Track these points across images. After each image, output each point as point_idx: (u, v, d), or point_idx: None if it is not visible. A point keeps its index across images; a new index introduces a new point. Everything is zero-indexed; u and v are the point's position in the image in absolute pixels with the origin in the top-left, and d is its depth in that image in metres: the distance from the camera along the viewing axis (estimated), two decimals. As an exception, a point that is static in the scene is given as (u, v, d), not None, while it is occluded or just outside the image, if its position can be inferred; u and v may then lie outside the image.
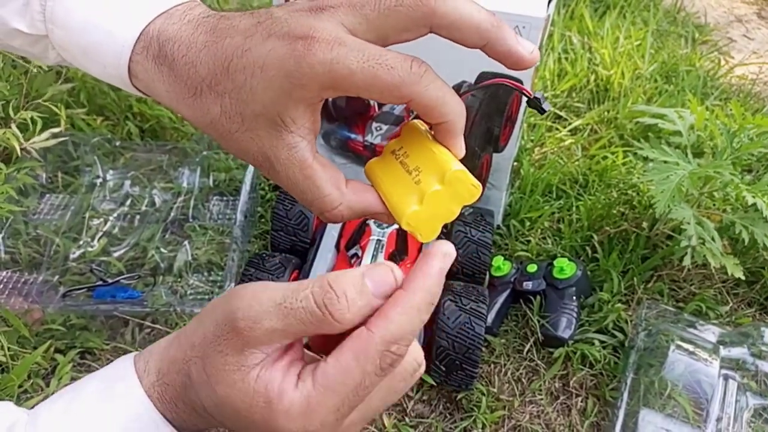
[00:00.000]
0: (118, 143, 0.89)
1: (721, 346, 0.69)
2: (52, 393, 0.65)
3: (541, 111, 0.40)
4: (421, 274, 0.31)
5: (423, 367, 0.33)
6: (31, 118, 0.76)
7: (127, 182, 0.86)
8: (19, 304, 0.70)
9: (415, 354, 0.33)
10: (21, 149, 0.75)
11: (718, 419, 0.63)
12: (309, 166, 0.32)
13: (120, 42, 0.35)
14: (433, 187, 0.35)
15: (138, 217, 0.83)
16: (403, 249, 0.74)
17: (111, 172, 0.87)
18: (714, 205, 0.86)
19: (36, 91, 0.85)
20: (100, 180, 0.86)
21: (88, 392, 0.33)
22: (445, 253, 0.33)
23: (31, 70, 0.83)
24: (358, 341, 0.29)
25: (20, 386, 0.64)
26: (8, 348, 0.64)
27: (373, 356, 0.29)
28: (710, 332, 0.71)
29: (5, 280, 0.73)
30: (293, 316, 0.29)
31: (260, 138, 0.32)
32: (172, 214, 0.83)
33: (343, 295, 0.30)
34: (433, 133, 0.37)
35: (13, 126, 0.75)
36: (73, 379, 0.67)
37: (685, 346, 0.69)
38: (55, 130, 0.80)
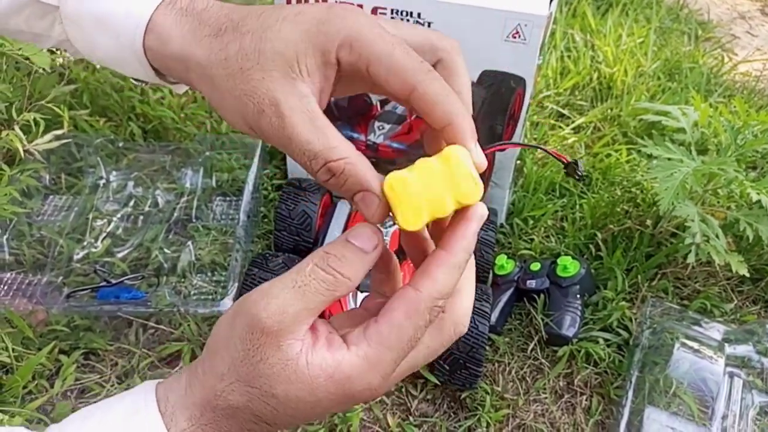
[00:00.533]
0: (121, 144, 0.90)
1: (726, 344, 0.69)
2: (56, 394, 0.65)
3: (579, 178, 0.40)
4: (460, 235, 0.33)
5: (465, 326, 0.35)
6: (34, 120, 0.76)
7: (131, 183, 0.86)
8: (24, 306, 0.70)
9: (459, 314, 0.35)
10: (24, 151, 0.75)
11: (724, 417, 0.63)
12: (319, 117, 0.32)
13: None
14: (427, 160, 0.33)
15: (141, 217, 0.83)
16: (406, 248, 0.74)
17: (114, 173, 0.88)
18: (718, 202, 0.85)
19: (39, 93, 0.85)
20: (103, 181, 0.86)
21: None
22: (481, 216, 0.34)
23: (34, 71, 0.84)
24: (406, 300, 0.31)
25: (24, 387, 0.64)
26: (12, 349, 0.65)
27: (423, 312, 0.31)
28: (715, 330, 0.71)
29: (9, 281, 0.73)
30: (310, 292, 0.31)
31: (273, 79, 0.32)
32: (175, 214, 0.83)
33: (342, 256, 0.32)
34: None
35: (17, 128, 0.75)
36: (77, 380, 0.67)
37: (690, 343, 0.68)
38: (58, 132, 0.80)
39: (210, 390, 0.32)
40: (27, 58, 0.83)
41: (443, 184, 0.34)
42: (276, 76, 0.32)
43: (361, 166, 0.33)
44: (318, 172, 0.33)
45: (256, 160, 0.87)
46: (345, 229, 0.78)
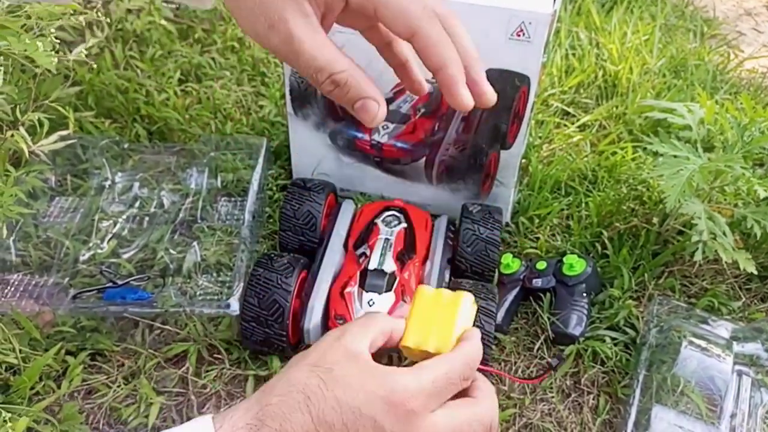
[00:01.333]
0: (126, 146, 0.90)
1: (734, 342, 0.68)
2: (63, 395, 0.65)
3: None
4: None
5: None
6: (39, 120, 0.77)
7: (136, 184, 0.87)
8: (30, 307, 0.70)
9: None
10: (29, 152, 0.76)
11: (733, 416, 0.62)
12: (321, 35, 0.36)
13: None
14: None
15: (147, 218, 0.83)
16: (411, 248, 0.74)
17: (119, 174, 0.88)
18: (725, 199, 0.85)
19: (44, 95, 0.85)
20: (108, 182, 0.87)
21: None
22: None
23: (39, 73, 0.84)
24: None
25: (32, 388, 0.65)
26: (20, 350, 0.65)
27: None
28: (723, 328, 0.70)
29: (16, 282, 0.73)
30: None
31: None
32: (180, 215, 0.83)
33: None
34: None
35: (22, 129, 0.75)
36: (84, 381, 0.67)
37: (698, 342, 0.68)
38: (64, 132, 0.80)
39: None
40: (32, 60, 0.83)
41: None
42: None
43: (361, 77, 0.38)
44: (323, 83, 0.37)
45: (260, 160, 0.87)
46: (350, 229, 0.78)
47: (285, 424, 0.33)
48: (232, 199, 0.87)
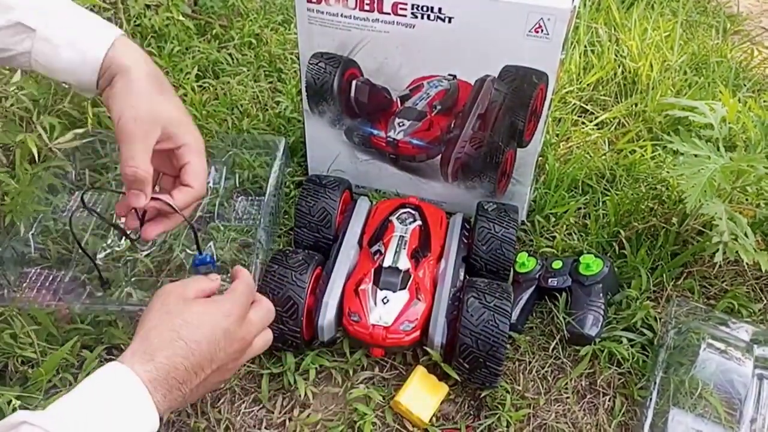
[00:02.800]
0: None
1: (755, 345, 0.67)
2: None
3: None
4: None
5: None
6: (51, 125, 0.77)
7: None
8: (48, 301, 0.71)
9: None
10: (47, 148, 0.76)
11: (753, 420, 0.61)
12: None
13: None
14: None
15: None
16: (425, 246, 0.74)
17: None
18: (747, 199, 0.83)
19: (63, 91, 0.86)
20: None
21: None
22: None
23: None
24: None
25: (49, 381, 0.65)
26: (37, 344, 0.66)
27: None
28: (743, 330, 0.69)
29: (35, 276, 0.74)
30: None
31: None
32: (197, 212, 0.84)
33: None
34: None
35: (39, 128, 0.76)
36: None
37: (717, 344, 0.67)
38: (80, 130, 0.80)
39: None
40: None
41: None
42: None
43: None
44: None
45: (278, 158, 0.87)
46: (364, 226, 0.78)
47: (168, 350, 0.49)
48: (249, 197, 0.87)
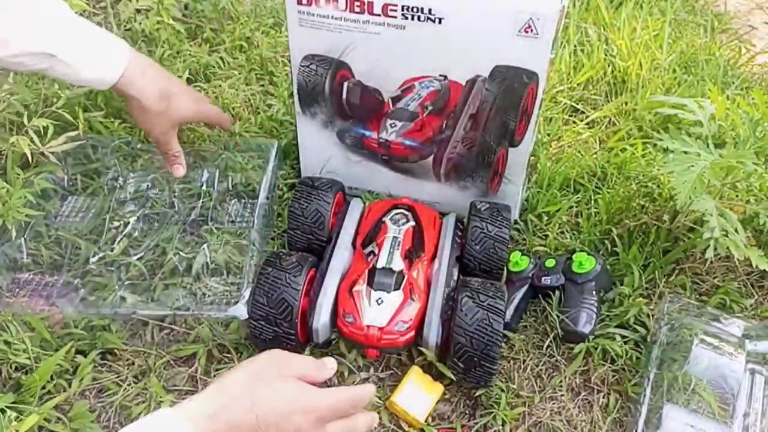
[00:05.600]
0: (138, 146, 0.90)
1: (746, 340, 0.67)
2: (74, 393, 0.66)
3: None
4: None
5: None
6: (44, 127, 0.77)
7: (147, 184, 0.87)
8: (40, 306, 0.70)
9: None
10: (39, 153, 0.76)
11: (745, 415, 0.62)
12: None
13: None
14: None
15: (157, 218, 0.83)
16: (419, 246, 0.74)
17: (130, 174, 0.88)
18: (737, 196, 0.84)
19: (54, 95, 0.86)
20: (119, 183, 0.87)
21: None
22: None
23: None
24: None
25: (43, 387, 0.65)
26: (31, 350, 0.65)
27: None
28: (735, 326, 0.70)
29: (27, 282, 0.74)
30: None
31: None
32: (190, 216, 0.84)
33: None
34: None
35: (31, 131, 0.76)
36: (95, 380, 0.68)
37: (709, 340, 0.67)
38: (72, 133, 0.80)
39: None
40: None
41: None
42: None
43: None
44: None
45: (271, 161, 0.87)
46: (358, 228, 0.78)
47: (234, 419, 0.47)
48: (242, 200, 0.87)
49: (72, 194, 0.85)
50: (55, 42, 0.65)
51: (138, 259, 0.77)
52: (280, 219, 0.86)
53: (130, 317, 0.70)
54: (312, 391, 0.51)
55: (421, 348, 0.68)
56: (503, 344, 0.72)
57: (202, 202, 0.85)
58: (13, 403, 0.61)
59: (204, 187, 0.87)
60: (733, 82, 1.12)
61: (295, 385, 0.51)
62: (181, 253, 0.78)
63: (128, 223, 0.82)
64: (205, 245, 0.79)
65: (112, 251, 0.78)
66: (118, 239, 0.79)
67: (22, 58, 0.64)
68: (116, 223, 0.82)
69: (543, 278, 0.75)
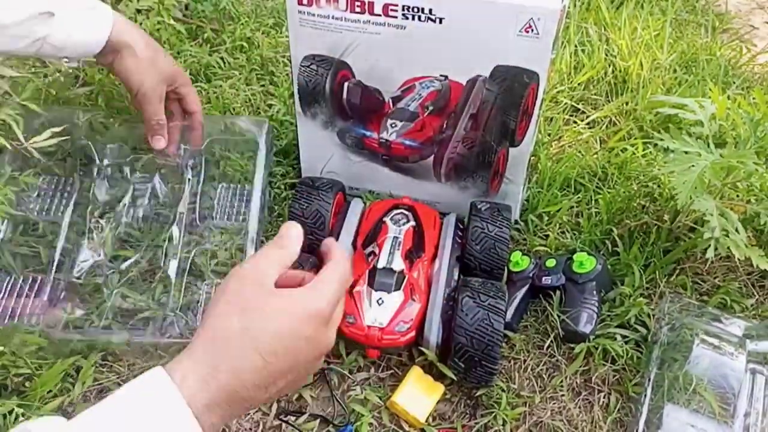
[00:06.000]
0: (134, 147, 0.90)
1: (747, 340, 0.67)
2: (78, 395, 0.66)
3: None
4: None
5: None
6: (14, 118, 0.75)
7: (145, 184, 0.87)
8: (38, 310, 0.70)
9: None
10: (23, 149, 0.74)
11: (746, 415, 0.62)
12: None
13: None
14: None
15: (154, 218, 0.83)
16: (419, 246, 0.74)
17: (128, 173, 0.88)
18: (738, 195, 0.84)
19: (55, 95, 0.86)
20: (106, 175, 0.86)
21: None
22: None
23: (50, 74, 0.84)
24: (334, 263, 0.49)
25: (49, 391, 0.65)
26: (32, 362, 0.65)
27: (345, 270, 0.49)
28: (736, 326, 0.70)
29: (10, 284, 0.74)
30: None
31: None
32: (188, 215, 0.83)
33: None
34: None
35: (16, 130, 0.74)
36: (96, 381, 0.68)
37: (710, 340, 0.67)
38: (57, 129, 0.78)
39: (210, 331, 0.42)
40: (43, 62, 0.84)
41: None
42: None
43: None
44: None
45: (262, 144, 0.86)
46: (359, 226, 0.78)
47: (238, 366, 0.40)
48: (232, 186, 0.86)
49: (66, 193, 0.84)
50: (52, 2, 0.65)
51: (136, 261, 0.77)
52: (280, 219, 0.86)
53: (132, 342, 0.69)
54: (305, 297, 0.44)
55: (421, 348, 0.68)
56: (504, 344, 0.72)
57: (200, 201, 0.84)
58: (19, 405, 0.61)
59: (199, 187, 0.85)
60: (734, 82, 1.12)
61: (283, 299, 0.43)
62: (177, 252, 0.77)
63: (121, 223, 0.81)
64: (207, 243, 0.78)
65: (99, 258, 0.77)
66: (111, 238, 0.78)
67: (26, 23, 0.64)
68: (109, 223, 0.80)
69: (544, 278, 0.75)
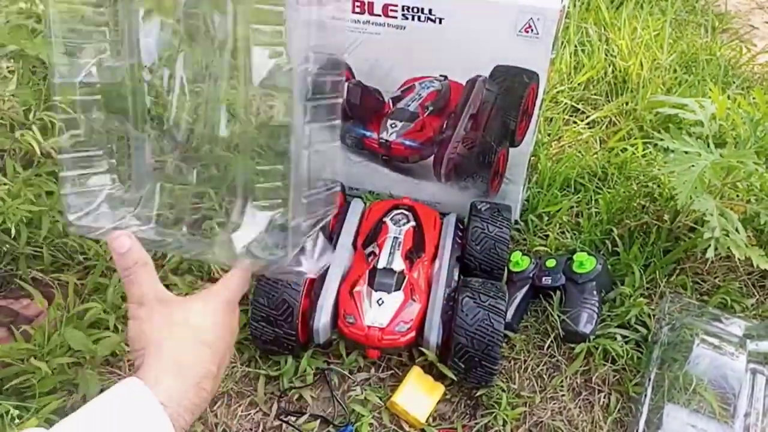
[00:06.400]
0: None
1: (747, 340, 0.67)
2: (81, 398, 0.65)
3: None
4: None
5: None
6: (50, 121, 0.77)
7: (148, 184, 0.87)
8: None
9: None
10: (41, 154, 0.76)
11: (746, 414, 0.62)
12: None
13: None
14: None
15: (156, 218, 0.83)
16: (420, 246, 0.74)
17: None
18: (738, 195, 0.84)
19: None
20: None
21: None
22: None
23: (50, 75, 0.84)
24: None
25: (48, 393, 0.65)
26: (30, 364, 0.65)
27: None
28: (736, 325, 0.70)
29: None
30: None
31: None
32: (194, 215, 0.83)
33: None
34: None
35: (34, 128, 0.75)
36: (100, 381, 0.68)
37: (710, 340, 0.67)
38: (76, 131, 0.79)
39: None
40: (43, 62, 0.83)
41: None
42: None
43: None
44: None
45: None
46: (358, 228, 0.78)
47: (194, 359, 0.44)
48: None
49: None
50: None
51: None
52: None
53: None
54: (214, 290, 0.47)
55: (421, 348, 0.68)
56: (504, 344, 0.72)
57: (203, 201, 0.84)
58: (17, 406, 0.61)
59: (201, 187, 0.85)
60: (734, 82, 1.12)
61: (201, 297, 0.47)
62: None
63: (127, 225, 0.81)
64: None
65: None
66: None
67: None
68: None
69: (544, 278, 0.75)
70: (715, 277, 0.80)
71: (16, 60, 0.78)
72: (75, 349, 0.66)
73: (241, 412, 0.67)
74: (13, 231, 0.74)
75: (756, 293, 0.79)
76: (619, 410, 0.68)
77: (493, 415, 0.66)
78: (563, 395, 0.69)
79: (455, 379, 0.67)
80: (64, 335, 0.66)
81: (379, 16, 0.71)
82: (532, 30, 0.67)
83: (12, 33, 0.75)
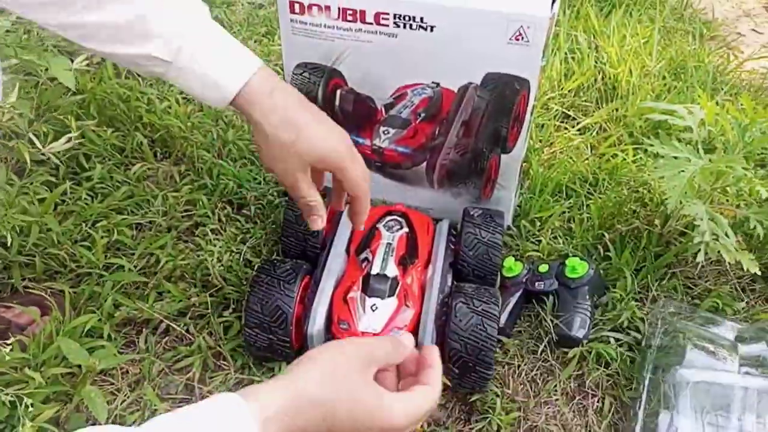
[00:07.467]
0: (128, 153, 0.90)
1: (739, 343, 0.68)
2: (75, 406, 0.65)
3: None
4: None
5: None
6: (44, 131, 0.77)
7: (141, 191, 0.87)
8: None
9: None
10: (33, 161, 0.76)
11: (740, 418, 0.62)
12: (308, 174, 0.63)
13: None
14: None
15: (150, 224, 0.83)
16: (413, 252, 0.74)
17: (123, 181, 0.88)
18: (727, 200, 0.85)
19: (47, 104, 0.86)
20: (112, 190, 0.87)
21: None
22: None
23: (41, 83, 0.84)
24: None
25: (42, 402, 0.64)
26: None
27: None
28: (728, 329, 0.70)
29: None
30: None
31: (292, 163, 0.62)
32: (183, 223, 0.84)
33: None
34: None
35: (31, 135, 0.75)
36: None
37: (703, 343, 0.68)
38: (71, 135, 0.79)
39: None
40: (37, 71, 0.84)
41: None
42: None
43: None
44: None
45: None
46: (351, 234, 0.78)
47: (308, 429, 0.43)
48: (233, 205, 0.86)
49: (63, 201, 0.85)
50: (171, 48, 0.55)
51: (131, 266, 0.77)
52: (274, 226, 0.87)
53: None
54: (393, 410, 0.45)
55: (415, 354, 0.68)
56: (498, 349, 0.72)
57: (195, 208, 0.85)
58: (7, 417, 0.61)
59: (194, 194, 0.86)
60: (722, 88, 1.13)
61: (375, 397, 0.45)
62: (173, 259, 0.78)
63: (120, 230, 0.81)
64: (200, 252, 0.79)
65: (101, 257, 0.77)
66: (110, 245, 0.79)
67: (143, 64, 0.57)
68: (109, 230, 0.81)
69: (536, 283, 0.75)
70: (706, 281, 0.81)
71: (12, 71, 0.78)
72: (72, 362, 0.66)
73: (235, 419, 0.67)
74: (9, 239, 0.73)
75: (746, 297, 0.80)
76: (612, 414, 0.68)
77: (488, 420, 0.66)
78: (557, 399, 0.69)
79: (449, 384, 0.67)
80: (60, 346, 0.65)
81: (371, 24, 0.71)
82: (522, 38, 0.68)
83: (12, 45, 0.75)
